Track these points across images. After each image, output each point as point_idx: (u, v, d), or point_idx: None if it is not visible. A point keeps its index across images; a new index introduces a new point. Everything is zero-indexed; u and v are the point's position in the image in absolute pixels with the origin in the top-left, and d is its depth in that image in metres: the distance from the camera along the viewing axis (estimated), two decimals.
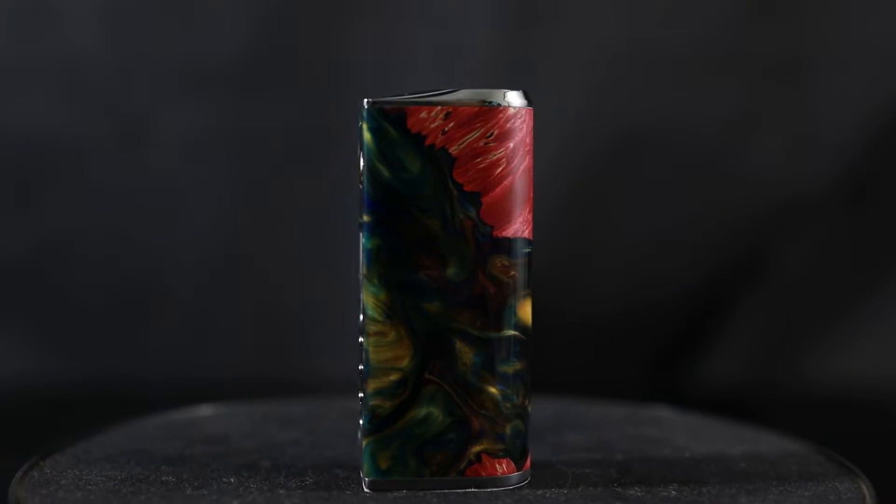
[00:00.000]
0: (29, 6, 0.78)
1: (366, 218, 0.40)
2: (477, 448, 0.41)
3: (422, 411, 0.41)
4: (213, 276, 0.80)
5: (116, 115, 0.79)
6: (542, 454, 0.46)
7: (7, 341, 0.78)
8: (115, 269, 0.80)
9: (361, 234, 0.41)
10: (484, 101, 0.40)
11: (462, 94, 0.40)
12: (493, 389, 0.40)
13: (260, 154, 0.80)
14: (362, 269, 0.40)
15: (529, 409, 0.41)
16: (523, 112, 0.40)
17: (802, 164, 0.79)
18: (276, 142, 0.80)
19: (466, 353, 0.40)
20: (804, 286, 0.80)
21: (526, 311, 0.41)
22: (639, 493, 0.40)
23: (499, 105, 0.40)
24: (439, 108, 0.40)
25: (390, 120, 0.40)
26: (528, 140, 0.41)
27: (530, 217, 0.41)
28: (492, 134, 0.40)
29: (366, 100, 0.40)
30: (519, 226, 0.40)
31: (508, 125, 0.40)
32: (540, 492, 0.40)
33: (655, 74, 0.79)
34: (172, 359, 0.79)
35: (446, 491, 0.41)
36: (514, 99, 0.40)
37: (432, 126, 0.40)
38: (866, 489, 0.41)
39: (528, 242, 0.41)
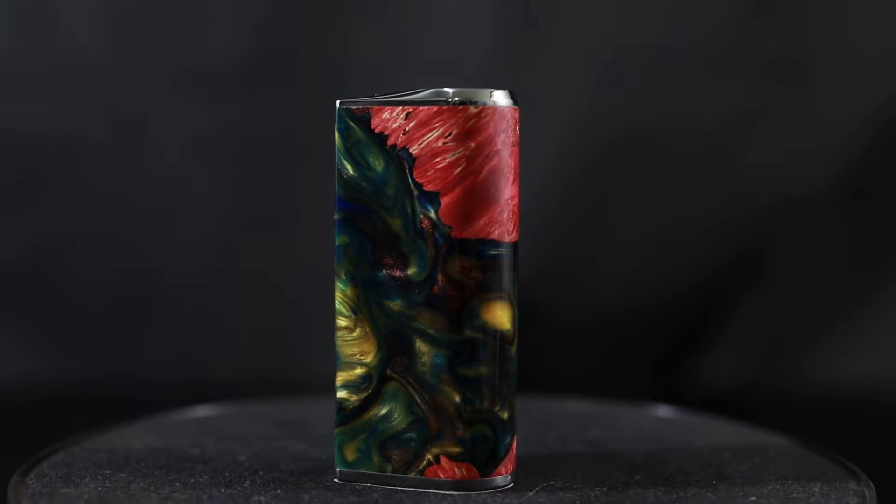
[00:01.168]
0: (29, 6, 0.78)
1: (336, 215, 0.41)
2: (436, 449, 0.40)
3: (384, 408, 0.41)
4: (213, 276, 0.80)
5: (116, 115, 0.79)
6: (542, 456, 0.46)
7: (7, 341, 0.78)
8: (115, 269, 0.80)
9: None
10: (441, 101, 0.39)
11: (422, 94, 0.40)
12: (452, 391, 0.40)
13: (260, 154, 0.80)
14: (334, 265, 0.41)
15: (503, 415, 0.40)
16: (488, 111, 0.39)
17: (802, 164, 0.79)
18: (276, 142, 0.80)
19: (426, 353, 0.40)
20: (804, 286, 0.80)
21: (495, 314, 0.40)
22: None
23: (454, 104, 0.39)
24: (400, 108, 0.40)
25: (356, 120, 0.41)
26: (499, 140, 0.40)
27: (503, 218, 0.40)
28: (450, 134, 0.39)
29: (338, 101, 0.41)
30: (482, 227, 0.40)
31: (469, 125, 0.39)
32: (492, 500, 0.40)
33: (655, 74, 0.79)
34: (172, 359, 0.79)
35: (401, 488, 0.41)
36: (477, 98, 0.39)
37: (394, 126, 0.40)
38: (866, 489, 0.41)
39: (498, 244, 0.40)
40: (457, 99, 0.39)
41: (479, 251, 0.40)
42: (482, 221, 0.40)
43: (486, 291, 0.40)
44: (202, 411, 0.54)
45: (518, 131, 0.41)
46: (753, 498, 0.40)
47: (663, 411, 0.55)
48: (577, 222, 0.80)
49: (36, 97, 0.79)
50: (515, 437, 0.41)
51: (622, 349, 0.80)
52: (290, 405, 0.56)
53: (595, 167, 0.80)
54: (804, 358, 0.79)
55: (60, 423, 0.66)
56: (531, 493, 0.40)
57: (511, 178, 0.40)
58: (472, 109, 0.39)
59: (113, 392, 0.75)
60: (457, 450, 0.40)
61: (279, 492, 0.40)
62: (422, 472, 0.40)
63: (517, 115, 0.41)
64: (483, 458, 0.40)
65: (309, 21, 0.79)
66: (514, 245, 0.41)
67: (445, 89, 0.40)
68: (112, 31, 0.79)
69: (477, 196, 0.39)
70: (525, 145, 0.79)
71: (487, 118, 0.39)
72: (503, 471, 0.41)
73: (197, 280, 0.80)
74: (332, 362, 0.42)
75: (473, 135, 0.39)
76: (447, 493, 0.40)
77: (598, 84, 0.79)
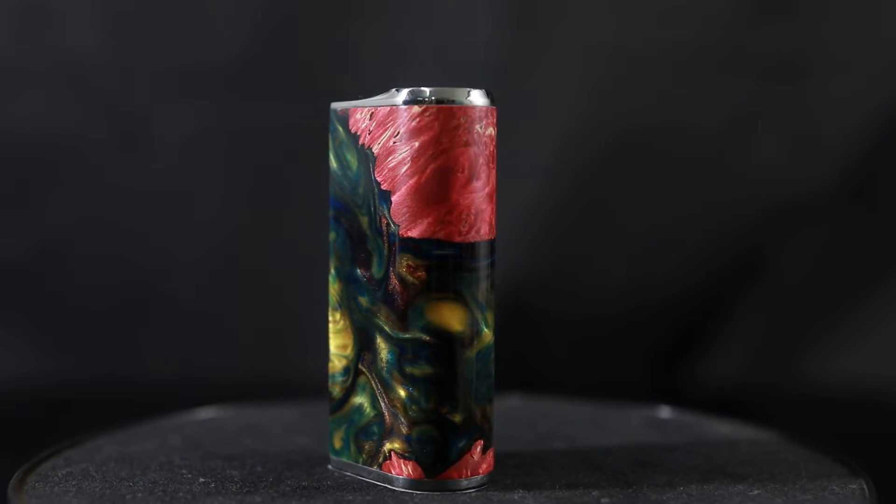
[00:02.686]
0: (29, 6, 0.78)
1: (330, 212, 0.42)
2: (388, 445, 0.40)
3: (357, 400, 0.42)
4: (213, 276, 0.80)
5: (116, 115, 0.79)
6: (535, 458, 0.46)
7: (7, 341, 0.78)
8: (115, 269, 0.80)
9: None
10: (390, 101, 0.40)
11: (383, 94, 0.40)
12: (400, 389, 0.40)
13: (260, 154, 0.80)
14: None
15: (454, 418, 0.40)
16: (431, 110, 0.39)
17: (802, 164, 0.79)
18: (276, 142, 0.80)
19: (383, 350, 0.40)
20: (804, 286, 0.80)
21: (441, 314, 0.39)
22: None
23: (404, 104, 0.39)
24: (367, 109, 0.40)
25: (340, 121, 0.42)
26: (447, 139, 0.39)
27: (452, 218, 0.39)
28: (398, 133, 0.39)
29: (332, 104, 0.42)
30: (428, 226, 0.39)
31: (413, 124, 0.39)
32: (436, 499, 0.39)
33: (655, 74, 0.79)
34: (172, 359, 0.79)
35: (364, 479, 0.41)
36: (425, 96, 0.39)
37: (362, 126, 0.41)
38: (867, 488, 0.41)
39: (446, 244, 0.39)
40: (399, 97, 0.39)
41: (424, 251, 0.39)
42: (428, 221, 0.39)
43: (431, 291, 0.39)
44: (203, 413, 0.54)
45: (483, 130, 0.40)
46: (754, 496, 0.40)
47: (663, 411, 0.55)
48: (576, 222, 0.80)
49: (36, 97, 0.79)
50: (481, 443, 0.40)
51: (622, 349, 0.80)
52: (290, 405, 0.56)
53: (595, 167, 0.80)
54: (804, 358, 0.79)
55: (60, 423, 0.66)
56: (464, 497, 0.40)
57: (466, 177, 0.39)
58: (416, 109, 0.39)
59: (113, 392, 0.75)
60: (402, 446, 0.40)
61: (259, 468, 0.42)
62: (381, 466, 0.41)
63: (482, 114, 0.40)
64: (429, 458, 0.40)
65: (309, 21, 0.79)
66: (478, 245, 0.40)
67: (416, 89, 0.39)
68: (112, 31, 0.79)
69: (421, 195, 0.39)
70: (525, 145, 0.79)
71: (432, 117, 0.39)
72: (455, 475, 0.40)
73: (197, 280, 0.80)
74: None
75: (417, 134, 0.39)
76: (387, 487, 0.40)
77: (598, 84, 0.79)
